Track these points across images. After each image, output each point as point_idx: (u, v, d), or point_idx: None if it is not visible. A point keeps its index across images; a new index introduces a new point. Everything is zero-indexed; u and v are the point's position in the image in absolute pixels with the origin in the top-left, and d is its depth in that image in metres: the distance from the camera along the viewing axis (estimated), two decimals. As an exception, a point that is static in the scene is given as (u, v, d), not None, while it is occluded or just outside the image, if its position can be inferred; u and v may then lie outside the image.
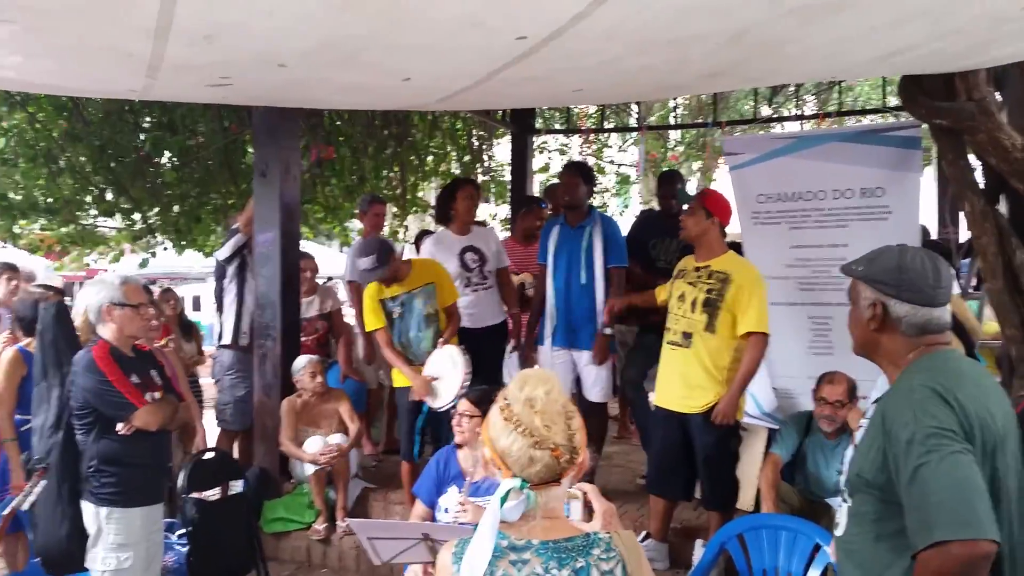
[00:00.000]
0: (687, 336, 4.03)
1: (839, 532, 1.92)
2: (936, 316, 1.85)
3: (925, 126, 4.31)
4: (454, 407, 3.88)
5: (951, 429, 1.66)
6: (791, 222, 4.69)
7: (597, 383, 4.84)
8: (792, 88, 7.93)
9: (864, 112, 9.08)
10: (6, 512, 3.51)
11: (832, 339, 4.55)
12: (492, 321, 5.19)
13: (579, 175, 4.98)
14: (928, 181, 7.68)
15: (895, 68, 3.92)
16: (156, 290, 6.26)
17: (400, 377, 4.73)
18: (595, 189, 11.25)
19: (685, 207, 4.16)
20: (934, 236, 5.61)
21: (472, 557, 1.57)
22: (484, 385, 3.81)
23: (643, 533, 4.27)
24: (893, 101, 6.84)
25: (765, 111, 9.06)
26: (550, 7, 2.40)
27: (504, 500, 1.60)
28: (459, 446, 3.57)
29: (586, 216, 4.87)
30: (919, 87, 3.94)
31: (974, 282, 4.99)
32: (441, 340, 4.58)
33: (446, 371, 4.42)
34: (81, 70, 3.29)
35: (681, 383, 4.04)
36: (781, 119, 9.61)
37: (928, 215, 5.92)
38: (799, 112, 8.69)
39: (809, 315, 4.60)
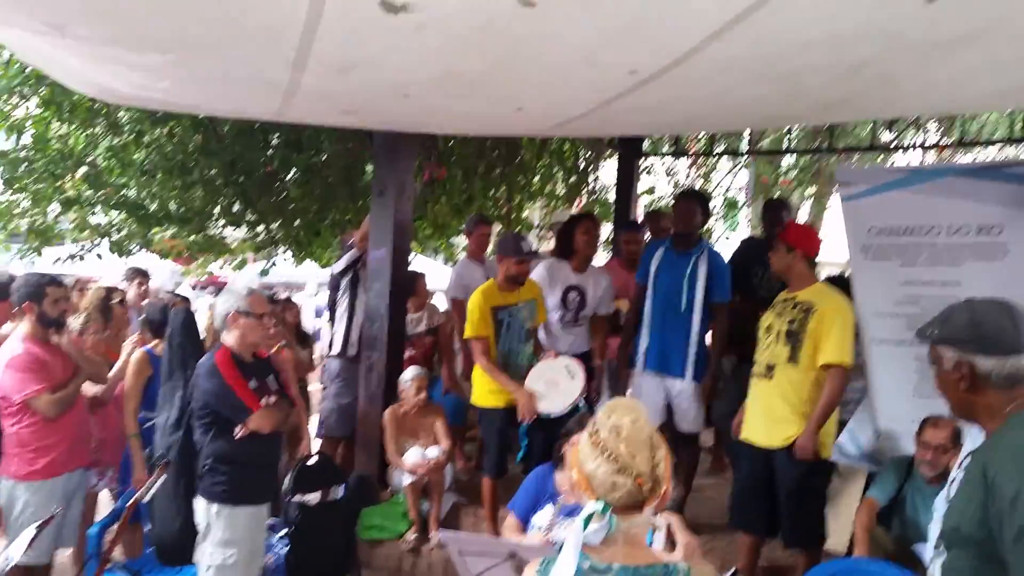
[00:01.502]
0: (770, 368, 4.00)
1: None
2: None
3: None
4: (569, 414, 3.97)
5: None
6: (902, 258, 4.54)
7: (688, 413, 4.79)
8: (913, 116, 7.65)
9: (989, 143, 8.66)
10: (129, 503, 3.76)
11: (939, 382, 4.37)
12: (580, 349, 5.23)
13: (696, 203, 4.98)
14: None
15: (1019, 103, 3.79)
16: (280, 299, 6.55)
17: (487, 397, 4.76)
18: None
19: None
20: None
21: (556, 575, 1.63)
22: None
23: (731, 569, 4.20)
24: (1019, 132, 6.54)
25: (885, 137, 8.74)
26: (664, 43, 2.45)
27: (587, 522, 1.65)
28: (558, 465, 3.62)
29: (695, 244, 4.85)
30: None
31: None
32: (551, 352, 4.68)
33: (561, 379, 4.47)
34: (222, 94, 3.53)
35: (764, 416, 4.00)
36: (900, 148, 9.25)
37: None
38: (920, 139, 8.34)
39: (916, 356, 4.41)
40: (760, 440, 4.02)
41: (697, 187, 10.76)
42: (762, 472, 4.03)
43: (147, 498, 3.68)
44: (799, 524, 4.02)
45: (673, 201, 5.51)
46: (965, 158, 9.55)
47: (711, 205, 7.59)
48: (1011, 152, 9.24)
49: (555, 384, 4.48)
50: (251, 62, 2.70)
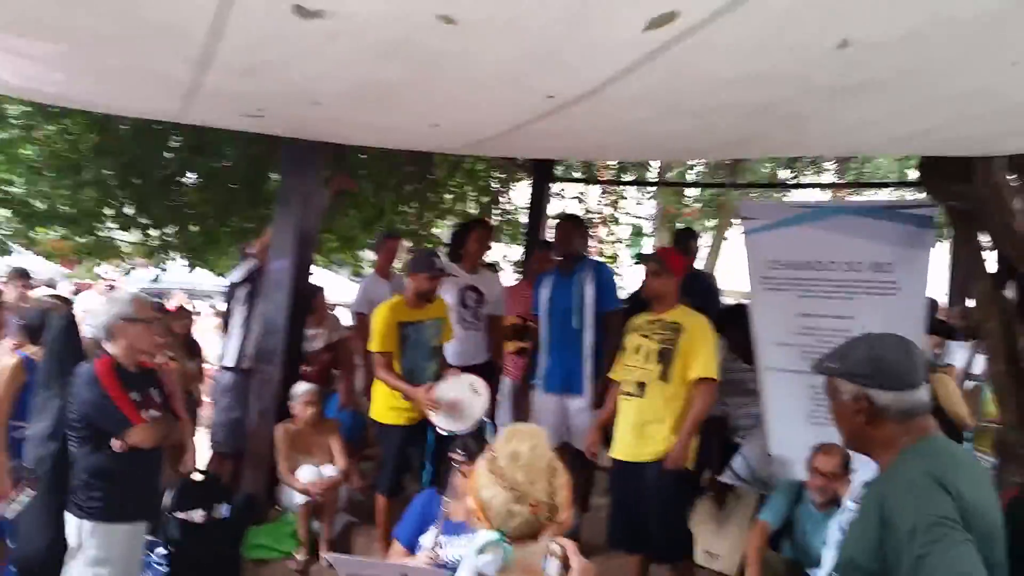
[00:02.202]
0: (641, 386, 4.11)
1: None
2: (919, 397, 1.87)
3: (940, 204, 4.36)
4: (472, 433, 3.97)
5: (952, 518, 1.65)
6: (800, 290, 4.71)
7: (580, 429, 4.81)
8: (812, 156, 8.00)
9: (882, 185, 9.14)
10: (-11, 520, 3.51)
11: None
12: (478, 360, 5.28)
13: (574, 224, 5.16)
14: (943, 253, 7.71)
15: (915, 149, 3.98)
16: (170, 306, 6.29)
17: (387, 413, 4.70)
18: (607, 240, 11.38)
19: (646, 266, 4.26)
20: (943, 309, 5.63)
21: None
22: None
23: None
24: (911, 175, 6.91)
25: (783, 175, 9.12)
26: (582, 72, 2.46)
27: (481, 551, 1.60)
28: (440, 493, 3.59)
29: (579, 263, 4.96)
30: (937, 168, 4.00)
31: (981, 366, 5.01)
32: (451, 370, 4.67)
33: (466, 396, 4.45)
34: (119, 90, 3.35)
35: (634, 433, 4.10)
36: (799, 186, 9.67)
37: (940, 288, 5.94)
38: (817, 179, 8.74)
39: (810, 383, 4.58)
40: (629, 456, 4.12)
41: (606, 213, 10.98)
42: (634, 488, 4.11)
43: (11, 514, 3.47)
44: (670, 538, 4.11)
45: (555, 225, 5.62)
46: (859, 199, 10.02)
47: (590, 230, 7.75)
48: (902, 195, 9.75)
49: (458, 403, 4.44)
50: (152, 58, 2.56)
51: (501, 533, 1.62)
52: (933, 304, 5.17)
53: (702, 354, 4.02)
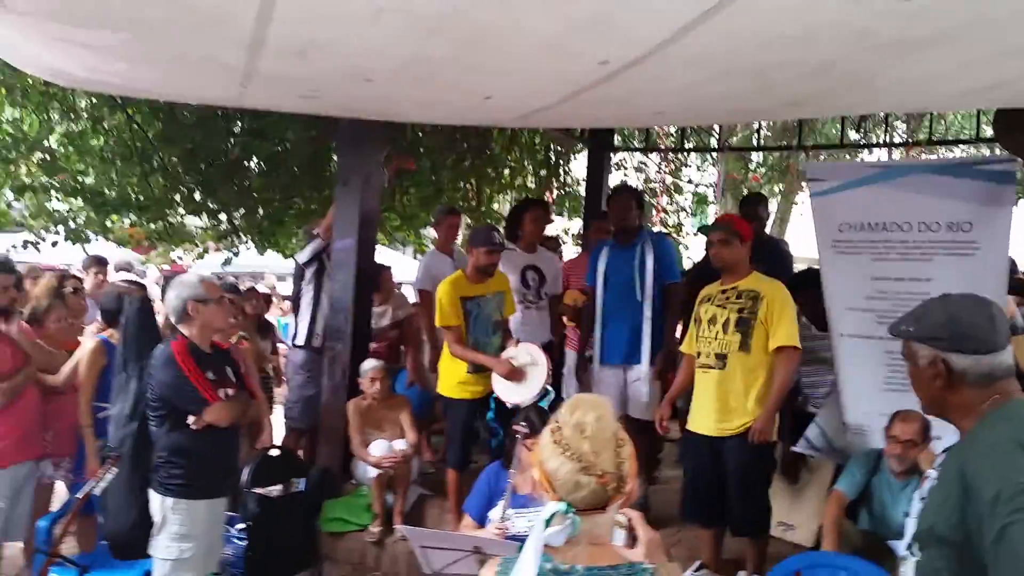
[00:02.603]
0: (721, 357, 4.00)
1: None
2: (1000, 361, 1.77)
3: (1020, 159, 4.15)
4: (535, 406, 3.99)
5: None
6: (873, 253, 4.54)
7: (641, 399, 4.78)
8: (881, 114, 7.69)
9: (956, 142, 8.78)
10: (79, 496, 3.65)
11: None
12: (542, 339, 5.23)
13: (631, 198, 5.05)
14: (1022, 213, 7.38)
15: (991, 102, 3.80)
16: (242, 287, 6.43)
17: (454, 388, 4.74)
18: (668, 209, 11.20)
19: (712, 237, 4.13)
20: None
21: None
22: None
23: (696, 563, 4.19)
24: (987, 131, 6.59)
25: (852, 136, 8.80)
26: (634, 35, 2.40)
27: (548, 523, 1.59)
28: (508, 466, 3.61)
29: (637, 235, 4.90)
30: (1015, 121, 3.80)
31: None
32: (514, 340, 4.67)
33: (526, 366, 4.46)
34: (179, 78, 3.43)
35: (717, 406, 4.00)
36: (869, 146, 9.31)
37: (1021, 250, 5.68)
38: (888, 139, 8.42)
39: (886, 349, 4.43)
40: (710, 430, 4.02)
41: (668, 182, 10.79)
42: (711, 463, 4.03)
43: (98, 491, 3.59)
44: (749, 512, 4.03)
45: (608, 198, 5.53)
46: (932, 157, 9.64)
47: (647, 201, 7.63)
48: (978, 152, 9.34)
49: (520, 372, 4.46)
50: (205, 44, 2.60)
51: (568, 504, 1.60)
52: (1014, 264, 4.93)
53: (784, 322, 3.90)
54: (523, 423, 3.48)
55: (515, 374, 4.43)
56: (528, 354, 4.51)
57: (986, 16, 2.20)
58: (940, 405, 1.86)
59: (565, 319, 5.52)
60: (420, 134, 7.50)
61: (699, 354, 4.11)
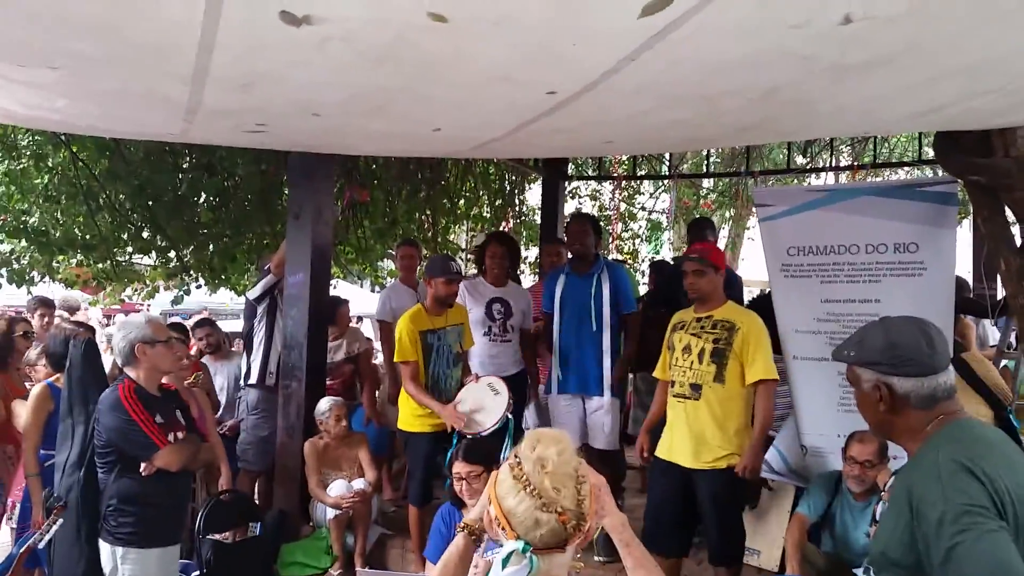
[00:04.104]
0: (696, 388, 3.98)
1: None
2: (942, 382, 1.79)
3: (960, 181, 4.25)
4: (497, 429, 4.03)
5: (983, 505, 1.58)
6: (822, 276, 4.61)
7: (602, 430, 4.79)
8: (827, 139, 7.89)
9: (900, 164, 9.02)
10: (22, 550, 3.52)
11: (861, 397, 4.44)
12: (513, 370, 5.19)
13: (588, 224, 5.08)
14: (966, 234, 7.57)
15: (931, 124, 3.88)
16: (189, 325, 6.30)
17: (413, 422, 4.67)
18: (623, 236, 11.30)
19: (686, 267, 4.10)
20: (972, 289, 5.50)
21: None
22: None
23: None
24: (929, 153, 6.79)
25: (799, 161, 9.00)
26: (580, 65, 2.41)
27: (505, 563, 1.55)
28: (461, 505, 3.55)
29: (594, 263, 4.93)
30: (955, 143, 3.89)
31: (1012, 341, 4.87)
32: (472, 375, 4.65)
33: (486, 398, 4.43)
34: (122, 113, 3.36)
35: (690, 437, 3.97)
36: (815, 170, 9.54)
37: (964, 269, 5.82)
38: (834, 163, 8.63)
39: (839, 371, 4.47)
40: (686, 461, 3.98)
41: (622, 209, 10.90)
42: (680, 493, 4.01)
43: (43, 544, 3.46)
44: (727, 541, 4.00)
45: (566, 225, 5.55)
46: (878, 180, 9.88)
47: (604, 229, 7.71)
48: (922, 173, 9.61)
49: (481, 404, 4.44)
50: (146, 77, 2.55)
51: (526, 543, 1.56)
52: (963, 285, 5.03)
53: (760, 355, 3.88)
54: (471, 458, 3.43)
55: (471, 411, 4.40)
56: (489, 385, 4.49)
57: (918, 42, 2.25)
58: (886, 428, 1.87)
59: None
60: (374, 166, 7.47)
61: (673, 383, 4.09)
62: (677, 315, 4.23)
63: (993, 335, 6.09)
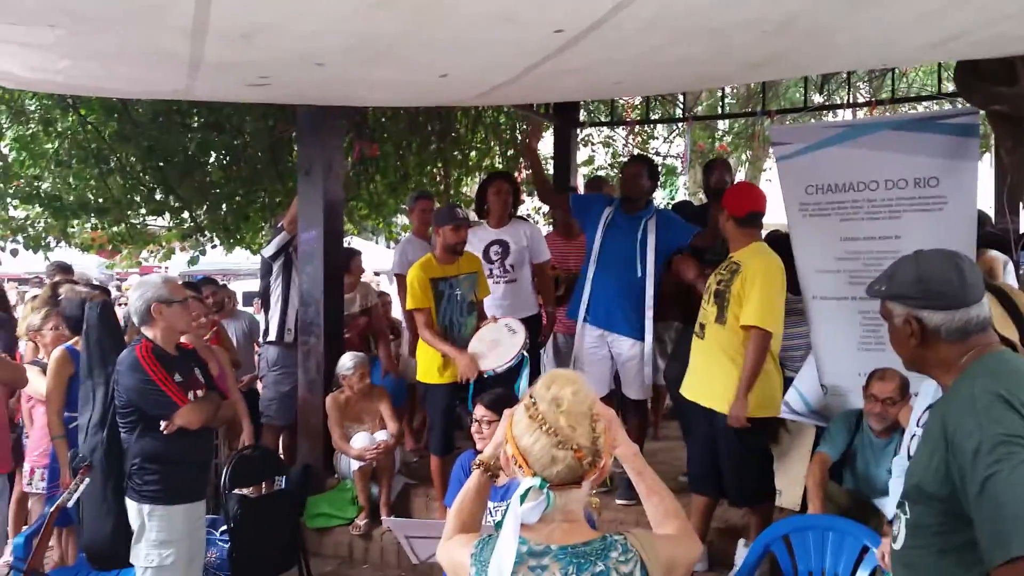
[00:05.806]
0: (702, 327, 4.00)
1: (897, 545, 1.83)
2: (974, 315, 1.76)
3: (983, 112, 4.14)
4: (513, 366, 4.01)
5: (1019, 435, 1.55)
6: (841, 214, 4.53)
7: (636, 380, 4.76)
8: (844, 75, 7.70)
9: (919, 99, 8.79)
10: (52, 509, 3.58)
11: (883, 334, 4.28)
12: (525, 313, 5.12)
13: (643, 167, 4.93)
14: (986, 168, 7.42)
15: (950, 54, 3.78)
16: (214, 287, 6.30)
17: (432, 374, 4.68)
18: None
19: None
20: (995, 223, 5.40)
21: (498, 560, 1.55)
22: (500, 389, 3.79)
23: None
24: (949, 87, 6.62)
25: (816, 99, 8.82)
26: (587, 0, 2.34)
27: (523, 499, 1.57)
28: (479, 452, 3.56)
29: (644, 208, 4.81)
30: (976, 73, 3.79)
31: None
32: (490, 318, 4.64)
33: (503, 337, 4.42)
34: (125, 72, 3.33)
35: (699, 375, 4.02)
36: (832, 107, 9.35)
37: (985, 203, 5.71)
38: (851, 99, 8.44)
39: (860, 309, 4.45)
40: (702, 399, 4.01)
41: (635, 155, 10.77)
42: (707, 432, 4.03)
43: (71, 503, 3.52)
44: (744, 483, 4.02)
45: (622, 167, 5.42)
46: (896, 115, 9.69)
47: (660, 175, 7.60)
48: (942, 106, 9.41)
49: (496, 343, 4.43)
50: (146, 33, 2.51)
51: (543, 479, 1.58)
52: (984, 219, 4.94)
53: (754, 298, 3.77)
54: (488, 403, 3.43)
55: (477, 370, 4.38)
56: (506, 326, 4.48)
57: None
58: (919, 362, 1.86)
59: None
60: (383, 119, 7.40)
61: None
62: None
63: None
